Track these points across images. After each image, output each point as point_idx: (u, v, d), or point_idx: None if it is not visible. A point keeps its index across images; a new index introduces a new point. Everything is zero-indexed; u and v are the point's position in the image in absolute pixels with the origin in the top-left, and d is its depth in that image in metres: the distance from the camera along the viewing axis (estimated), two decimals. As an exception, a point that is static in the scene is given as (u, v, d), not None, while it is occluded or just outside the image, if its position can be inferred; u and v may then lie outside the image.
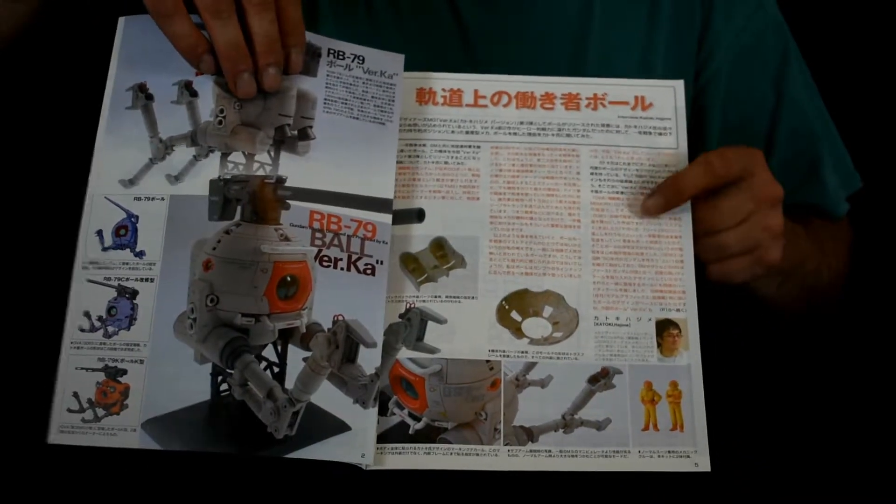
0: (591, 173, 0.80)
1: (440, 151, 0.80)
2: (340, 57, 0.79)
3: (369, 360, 0.72)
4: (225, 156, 0.75)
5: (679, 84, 0.82)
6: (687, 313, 0.76)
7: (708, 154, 0.76)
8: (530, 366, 0.74)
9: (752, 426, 0.85)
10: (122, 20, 0.76)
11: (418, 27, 0.90)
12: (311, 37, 0.77)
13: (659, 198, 0.77)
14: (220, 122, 0.75)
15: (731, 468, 0.73)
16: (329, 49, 0.78)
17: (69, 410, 0.69)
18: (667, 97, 0.82)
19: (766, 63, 0.96)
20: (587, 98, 0.82)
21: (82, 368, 0.70)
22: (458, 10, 0.92)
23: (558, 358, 0.75)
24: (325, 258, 0.74)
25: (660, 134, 0.81)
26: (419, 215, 0.78)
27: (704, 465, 0.72)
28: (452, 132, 0.80)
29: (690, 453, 0.72)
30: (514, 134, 0.80)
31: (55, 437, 0.69)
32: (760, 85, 0.96)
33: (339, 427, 0.71)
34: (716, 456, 0.71)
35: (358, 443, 0.71)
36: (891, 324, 0.97)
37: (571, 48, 0.92)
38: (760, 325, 0.93)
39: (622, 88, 0.82)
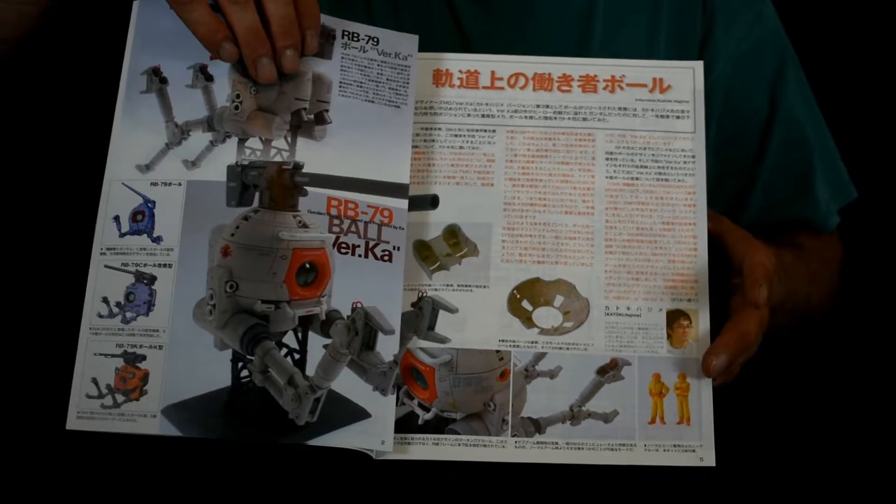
0: (607, 158, 0.79)
1: (455, 136, 0.79)
2: (355, 39, 0.77)
3: (388, 347, 0.73)
4: (242, 141, 0.74)
5: (699, 65, 0.81)
6: (698, 304, 0.75)
7: (755, 296, 0.73)
8: (540, 356, 0.75)
9: (756, 422, 0.87)
10: (136, 3, 0.75)
11: (417, 29, 0.89)
12: (325, 19, 0.75)
13: (724, 357, 0.72)
14: (237, 108, 0.74)
15: (736, 463, 0.74)
16: (343, 31, 0.77)
17: (88, 396, 0.70)
18: (685, 79, 0.81)
19: (762, 74, 0.95)
20: (605, 80, 0.81)
21: (101, 354, 0.71)
22: (457, 15, 0.91)
23: (568, 348, 0.75)
24: (343, 245, 0.74)
25: (677, 117, 0.80)
26: (433, 202, 0.77)
27: (710, 459, 0.72)
28: (468, 115, 0.80)
29: (696, 448, 0.73)
30: (531, 118, 0.80)
31: (74, 422, 0.70)
32: (756, 95, 0.95)
33: (360, 414, 0.72)
34: (720, 451, 0.72)
35: (378, 430, 0.71)
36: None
37: (571, 54, 0.90)
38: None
39: (640, 70, 0.81)
